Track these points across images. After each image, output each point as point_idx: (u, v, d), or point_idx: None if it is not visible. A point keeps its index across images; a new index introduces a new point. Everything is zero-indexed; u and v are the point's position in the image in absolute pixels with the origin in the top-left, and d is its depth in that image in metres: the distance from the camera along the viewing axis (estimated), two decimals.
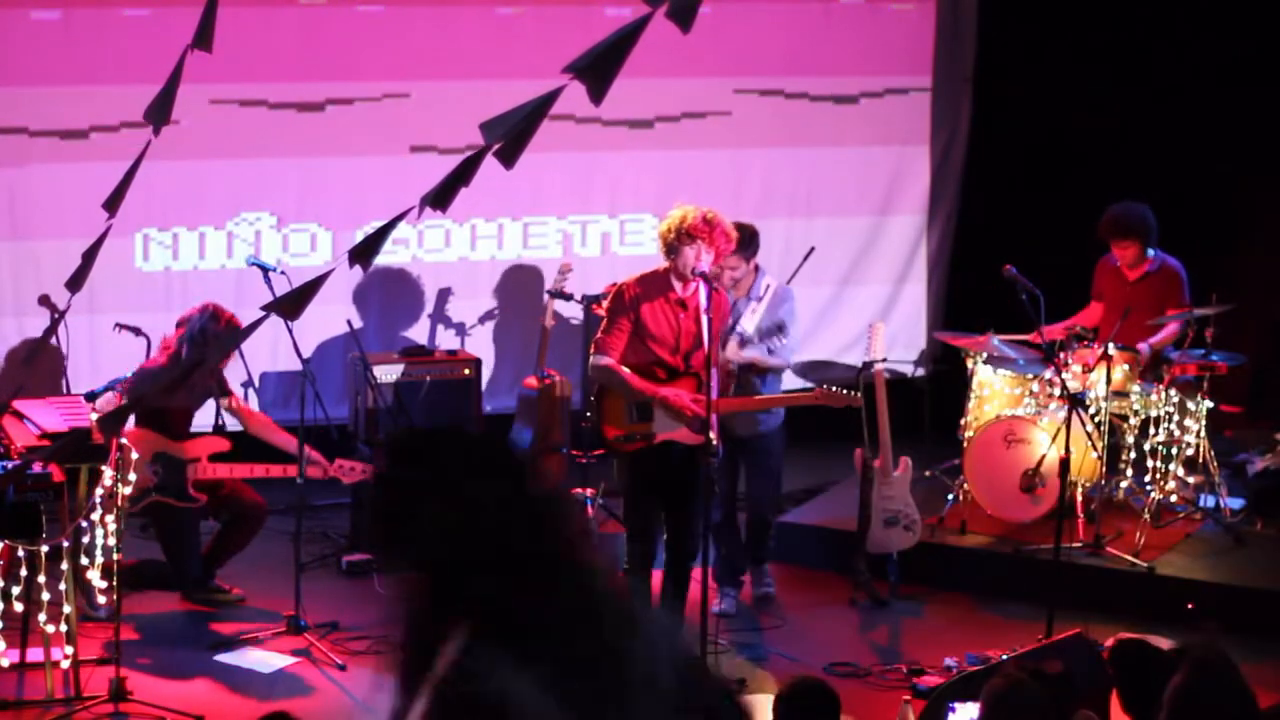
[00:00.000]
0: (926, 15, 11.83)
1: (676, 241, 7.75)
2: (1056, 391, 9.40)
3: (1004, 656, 7.30)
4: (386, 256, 10.86)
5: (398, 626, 3.29)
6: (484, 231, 11.11)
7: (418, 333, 10.97)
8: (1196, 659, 5.00)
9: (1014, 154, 11.89)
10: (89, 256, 4.64)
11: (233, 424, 9.04)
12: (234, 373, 10.33)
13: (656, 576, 8.06)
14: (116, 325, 9.47)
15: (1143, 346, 9.63)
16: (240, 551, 8.95)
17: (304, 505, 8.63)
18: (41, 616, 7.42)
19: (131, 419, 8.61)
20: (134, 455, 7.69)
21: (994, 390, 9.89)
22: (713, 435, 7.69)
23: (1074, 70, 11.86)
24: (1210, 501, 9.88)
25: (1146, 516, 9.45)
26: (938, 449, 10.41)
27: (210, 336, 8.50)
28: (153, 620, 8.63)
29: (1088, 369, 9.37)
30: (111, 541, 7.52)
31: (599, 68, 3.65)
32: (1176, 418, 9.63)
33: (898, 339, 11.64)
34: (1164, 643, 5.82)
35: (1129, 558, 9.14)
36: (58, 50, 10.04)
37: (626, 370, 7.81)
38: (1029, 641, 7.86)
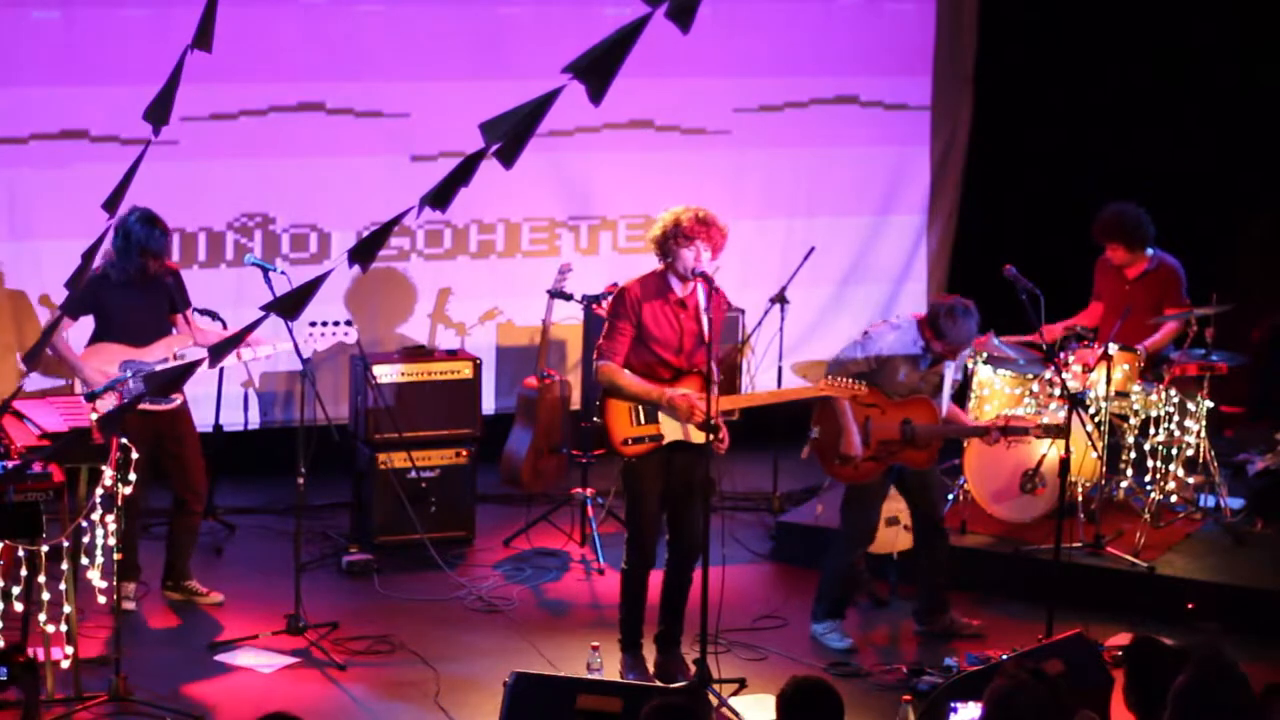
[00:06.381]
0: (926, 15, 11.84)
1: (674, 245, 7.72)
2: (1056, 391, 9.40)
3: (1004, 656, 7.31)
4: (386, 256, 10.86)
5: None
6: (484, 231, 11.11)
7: (418, 333, 10.97)
8: (1202, 659, 5.01)
9: (1014, 154, 11.90)
10: (89, 256, 4.64)
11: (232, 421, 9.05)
12: (234, 372, 10.37)
13: (655, 576, 8.06)
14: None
15: (1139, 348, 9.63)
16: (193, 542, 8.89)
17: (304, 505, 8.62)
18: (41, 616, 7.41)
19: (75, 329, 8.52)
20: (133, 454, 7.66)
21: (994, 390, 9.89)
22: (722, 433, 7.69)
23: (1074, 70, 11.87)
24: (1210, 501, 9.89)
25: (1146, 516, 9.45)
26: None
27: (136, 241, 8.40)
28: (153, 620, 8.63)
29: (1088, 369, 9.38)
30: (111, 541, 7.52)
31: (599, 68, 3.65)
32: (1176, 418, 9.63)
33: None
34: (1167, 643, 5.82)
35: (1129, 558, 9.14)
36: (58, 50, 10.04)
37: (630, 374, 7.80)
38: (1029, 641, 7.87)
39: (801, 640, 8.61)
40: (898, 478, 8.57)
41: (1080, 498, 9.43)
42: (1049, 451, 9.18)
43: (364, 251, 3.86)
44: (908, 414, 8.38)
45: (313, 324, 8.86)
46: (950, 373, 8.48)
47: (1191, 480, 9.81)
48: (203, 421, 9.40)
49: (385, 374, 9.69)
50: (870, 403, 8.34)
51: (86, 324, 8.68)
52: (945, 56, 11.89)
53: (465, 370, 9.91)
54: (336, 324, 8.93)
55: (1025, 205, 11.86)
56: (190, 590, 8.84)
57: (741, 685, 7.95)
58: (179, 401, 8.66)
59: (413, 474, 9.58)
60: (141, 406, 8.38)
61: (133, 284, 8.48)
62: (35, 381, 9.93)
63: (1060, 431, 8.68)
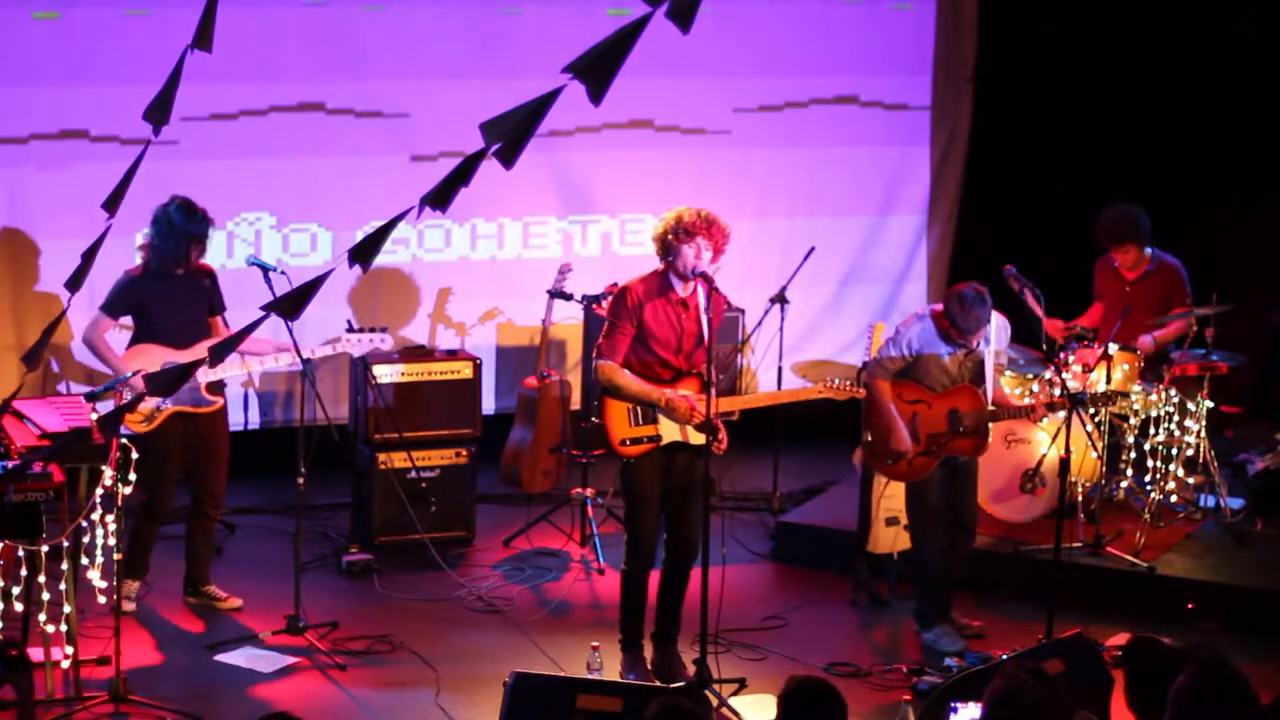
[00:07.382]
0: (926, 15, 11.83)
1: (675, 241, 7.73)
2: (1056, 391, 9.40)
3: (1004, 656, 7.31)
4: (386, 256, 10.86)
5: None
6: (484, 231, 11.11)
7: (418, 333, 10.97)
8: (1201, 658, 5.02)
9: (1014, 154, 11.89)
10: (89, 256, 4.64)
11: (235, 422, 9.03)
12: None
13: (655, 576, 8.06)
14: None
15: (1145, 339, 9.65)
16: (209, 546, 8.91)
17: (304, 505, 8.62)
18: (41, 616, 7.41)
19: (117, 332, 8.53)
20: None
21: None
22: (721, 434, 7.68)
23: (1074, 70, 11.86)
24: (1210, 501, 9.89)
25: (1146, 516, 9.45)
26: None
27: (178, 227, 8.39)
28: (153, 620, 8.63)
29: (1088, 369, 9.38)
30: (111, 541, 7.52)
31: (599, 68, 3.65)
32: (1176, 418, 9.63)
33: None
34: (1167, 643, 5.82)
35: (1129, 558, 9.14)
36: (58, 50, 10.04)
37: (630, 374, 7.80)
38: (1029, 641, 7.87)
39: (801, 640, 8.60)
40: (947, 474, 8.58)
41: (1080, 498, 9.43)
42: (1049, 451, 9.19)
43: (364, 251, 3.87)
44: (953, 404, 8.41)
45: (350, 330, 8.87)
46: (989, 357, 8.49)
47: (1191, 480, 9.81)
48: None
49: (385, 374, 9.69)
50: (915, 399, 8.38)
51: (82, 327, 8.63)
52: (945, 56, 11.89)
53: (465, 370, 9.91)
54: (373, 330, 8.93)
55: (1025, 205, 11.86)
56: (210, 596, 8.83)
57: (741, 685, 7.95)
58: (220, 404, 8.67)
59: (413, 474, 9.58)
60: (182, 408, 8.43)
61: (173, 278, 8.48)
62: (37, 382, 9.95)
63: (1109, 400, 8.82)
